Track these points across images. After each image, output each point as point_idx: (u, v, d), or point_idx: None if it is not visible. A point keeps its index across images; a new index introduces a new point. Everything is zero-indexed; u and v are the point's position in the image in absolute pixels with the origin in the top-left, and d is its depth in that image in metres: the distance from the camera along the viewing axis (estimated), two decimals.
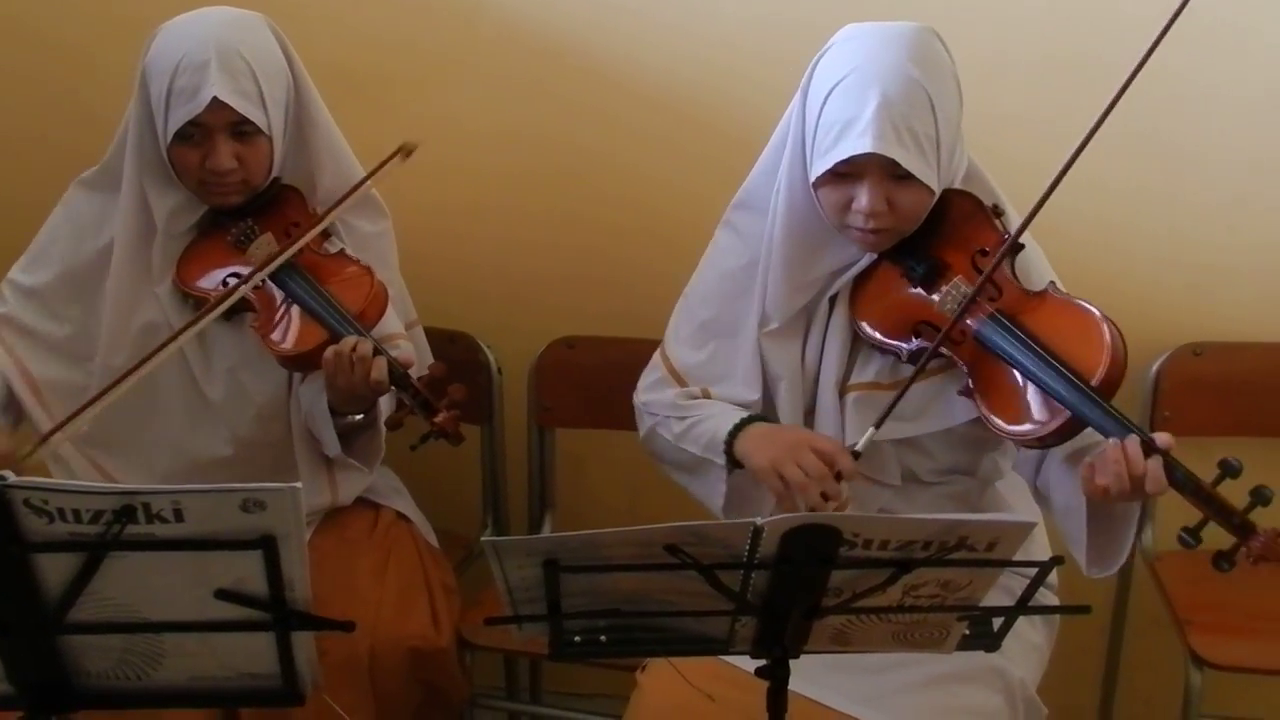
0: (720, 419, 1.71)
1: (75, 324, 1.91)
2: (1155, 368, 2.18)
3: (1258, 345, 2.18)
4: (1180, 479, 1.46)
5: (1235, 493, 1.48)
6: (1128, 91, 1.49)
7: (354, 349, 1.71)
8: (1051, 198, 1.54)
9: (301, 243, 1.81)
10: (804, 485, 1.56)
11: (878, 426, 1.60)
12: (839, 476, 1.57)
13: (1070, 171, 1.52)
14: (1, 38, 2.36)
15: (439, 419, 1.71)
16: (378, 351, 1.71)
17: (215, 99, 1.72)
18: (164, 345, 1.75)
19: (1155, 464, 1.45)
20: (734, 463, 1.68)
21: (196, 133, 1.77)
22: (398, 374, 1.71)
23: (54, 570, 1.17)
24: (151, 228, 1.86)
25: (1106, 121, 1.50)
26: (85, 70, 2.34)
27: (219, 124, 1.76)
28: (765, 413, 1.73)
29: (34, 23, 2.35)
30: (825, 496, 1.56)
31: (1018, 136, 2.02)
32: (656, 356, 1.84)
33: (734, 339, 1.74)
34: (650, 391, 1.82)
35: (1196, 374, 2.18)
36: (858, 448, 1.60)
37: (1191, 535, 1.48)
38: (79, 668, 1.25)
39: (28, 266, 1.93)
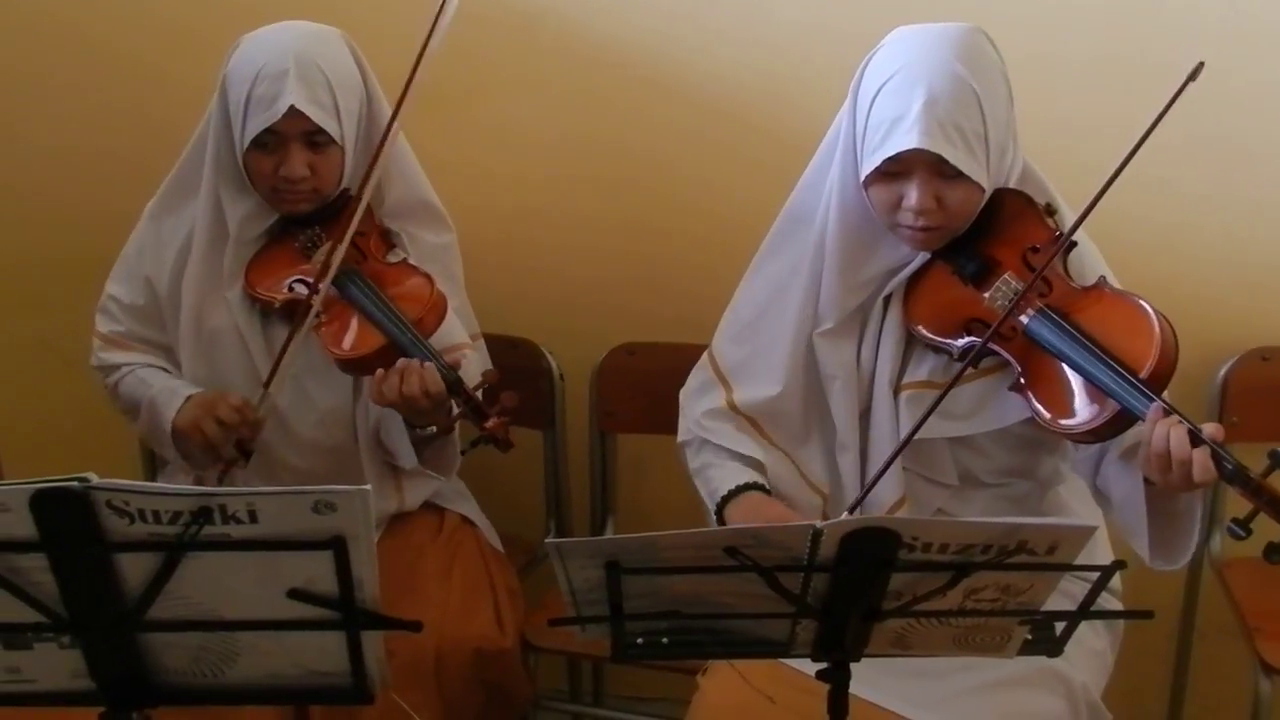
0: (723, 477, 1.78)
1: (165, 325, 1.98)
2: (1223, 373, 2.15)
3: None
4: (1230, 471, 1.45)
5: None
6: (1185, 92, 1.48)
7: (402, 370, 1.73)
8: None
9: (367, 194, 1.83)
10: None
11: (897, 455, 1.62)
12: None
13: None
14: (71, 53, 2.42)
15: (489, 424, 1.73)
16: (430, 360, 1.74)
17: (292, 107, 1.77)
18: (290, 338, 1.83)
19: (1202, 454, 1.45)
20: (724, 519, 1.76)
21: (272, 140, 1.81)
22: (450, 379, 1.73)
23: (134, 569, 1.20)
24: (224, 233, 1.91)
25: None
26: (154, 85, 2.39)
27: (294, 132, 1.81)
28: (804, 410, 1.77)
29: (103, 38, 2.41)
30: None
31: (1073, 138, 2.01)
32: (705, 355, 1.89)
33: (770, 335, 1.78)
34: (694, 396, 1.88)
35: (1265, 379, 2.15)
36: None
37: (1241, 526, 1.47)
38: (157, 665, 1.28)
39: (124, 284, 2.00)
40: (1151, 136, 1.50)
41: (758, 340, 1.80)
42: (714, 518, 1.78)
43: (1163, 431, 1.46)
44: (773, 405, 1.78)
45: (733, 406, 1.81)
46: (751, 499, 1.75)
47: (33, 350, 2.54)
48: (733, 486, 1.77)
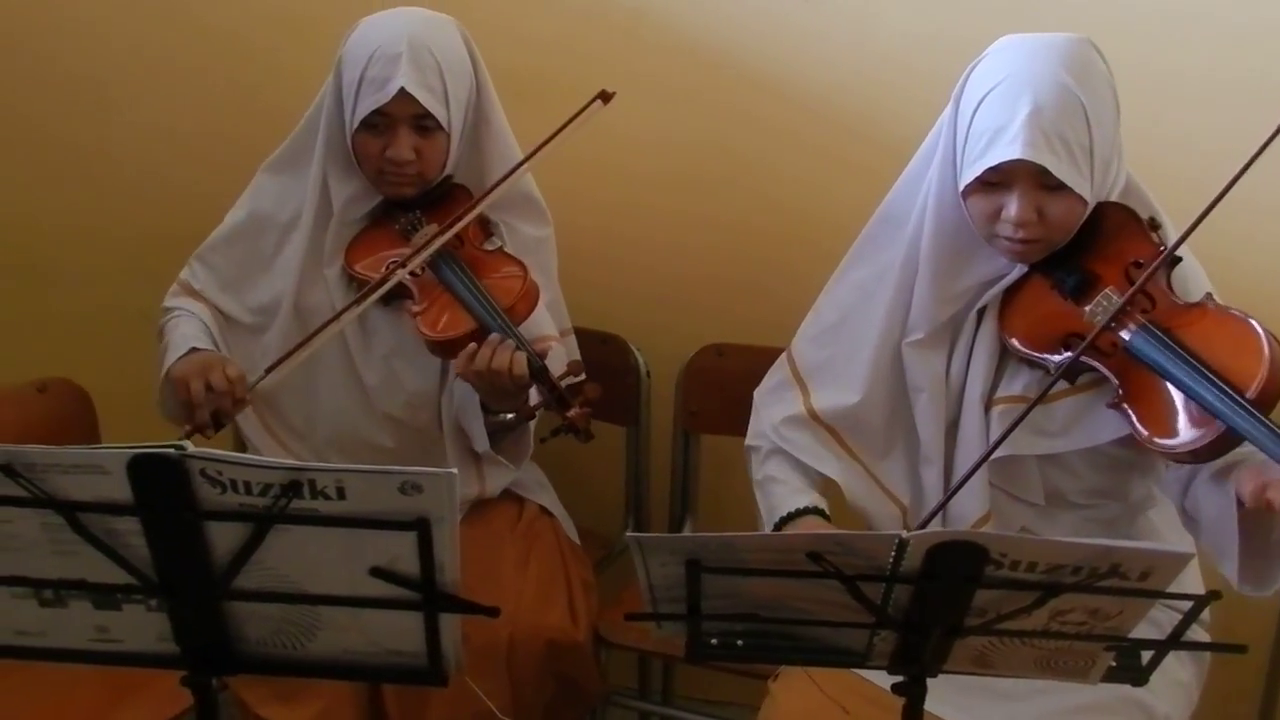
0: (785, 496, 1.77)
1: (254, 299, 2.01)
2: None
3: None
4: None
5: None
6: None
7: (494, 346, 1.75)
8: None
9: (482, 205, 1.86)
10: None
11: (971, 475, 1.56)
12: None
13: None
14: (187, 37, 2.48)
15: (571, 414, 1.74)
16: (518, 347, 1.76)
17: (403, 90, 1.80)
18: (347, 309, 1.86)
19: None
20: None
21: (381, 122, 1.84)
22: (536, 366, 1.75)
23: (223, 538, 1.23)
24: (328, 213, 1.95)
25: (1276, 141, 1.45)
26: (266, 70, 2.44)
27: (403, 115, 1.83)
28: (889, 423, 1.75)
29: (219, 24, 2.46)
30: None
31: (1181, 154, 1.96)
32: (783, 355, 1.86)
33: (853, 341, 1.76)
34: (768, 396, 1.86)
35: None
36: None
37: None
38: (240, 634, 1.31)
39: (218, 244, 2.03)
40: (1263, 156, 1.46)
41: (839, 344, 1.78)
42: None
43: None
44: (852, 414, 1.76)
45: (812, 414, 1.79)
46: (808, 523, 1.74)
47: (136, 322, 2.59)
48: (793, 509, 1.75)
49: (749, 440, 1.88)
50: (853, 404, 1.75)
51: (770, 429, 1.83)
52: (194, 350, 1.92)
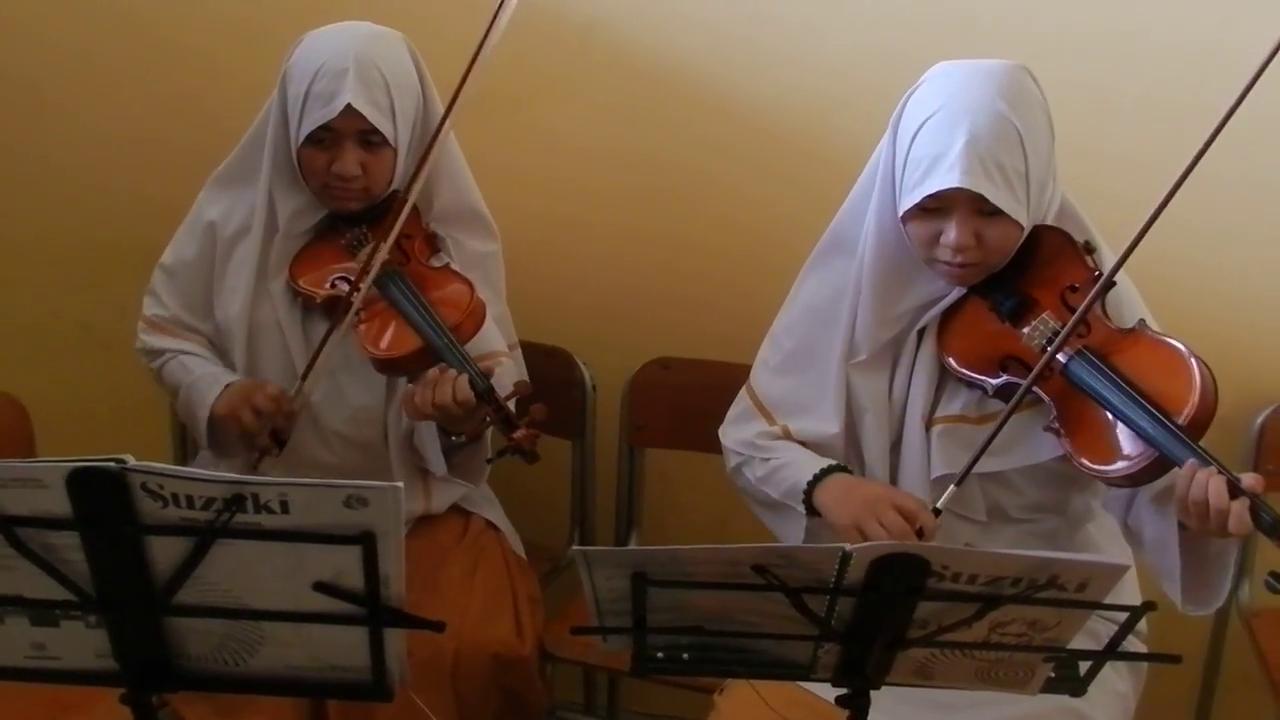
0: (801, 466, 1.73)
1: (214, 320, 1.99)
2: (1260, 420, 2.13)
3: None
4: (1267, 523, 1.43)
5: None
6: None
7: (433, 382, 1.74)
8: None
9: (414, 194, 1.85)
10: None
11: (959, 484, 1.61)
12: (920, 534, 1.59)
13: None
14: (130, 43, 2.45)
15: (517, 435, 1.73)
16: (463, 367, 1.75)
17: (349, 106, 1.79)
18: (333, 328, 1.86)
19: (1240, 505, 1.43)
20: (813, 510, 1.71)
21: (327, 137, 1.83)
22: (482, 388, 1.74)
23: (164, 553, 1.21)
24: (274, 226, 1.93)
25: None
26: (209, 76, 2.42)
27: (349, 131, 1.83)
28: (847, 445, 1.75)
29: (161, 29, 2.44)
30: None
31: (1116, 175, 2.00)
32: (743, 389, 1.86)
33: (818, 371, 1.76)
34: (734, 425, 1.84)
35: None
36: (939, 505, 1.62)
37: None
38: (181, 650, 1.29)
39: (172, 270, 2.01)
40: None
41: (804, 373, 1.77)
42: (800, 511, 1.71)
43: (1202, 480, 1.45)
44: (830, 441, 1.75)
45: (786, 433, 1.77)
46: (840, 480, 1.70)
47: (75, 333, 2.57)
48: (816, 471, 1.71)
49: (731, 463, 1.84)
50: (834, 434, 1.73)
51: (744, 445, 1.81)
52: (226, 387, 1.92)
